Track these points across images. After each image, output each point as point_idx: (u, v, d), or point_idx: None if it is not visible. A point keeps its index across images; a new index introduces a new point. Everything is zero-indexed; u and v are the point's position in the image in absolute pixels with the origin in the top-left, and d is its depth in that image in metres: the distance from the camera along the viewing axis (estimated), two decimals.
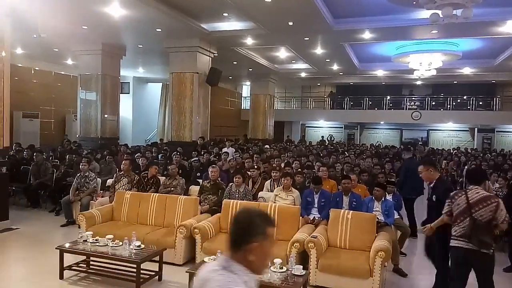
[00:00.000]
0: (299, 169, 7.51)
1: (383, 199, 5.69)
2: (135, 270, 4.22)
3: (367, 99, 22.60)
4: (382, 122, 23.42)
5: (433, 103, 21.97)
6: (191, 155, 9.73)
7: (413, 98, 22.41)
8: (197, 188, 6.59)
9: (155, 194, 5.95)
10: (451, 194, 3.90)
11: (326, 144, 20.85)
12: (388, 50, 14.50)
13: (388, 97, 22.57)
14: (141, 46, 12.84)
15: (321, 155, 11.62)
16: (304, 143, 20.12)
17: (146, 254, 4.37)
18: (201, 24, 10.66)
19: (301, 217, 5.43)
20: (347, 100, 23.03)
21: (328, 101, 23.45)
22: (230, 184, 6.22)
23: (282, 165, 8.81)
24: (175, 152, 9.23)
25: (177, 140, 11.85)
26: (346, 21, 10.53)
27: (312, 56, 14.62)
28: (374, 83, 22.11)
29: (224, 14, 10.04)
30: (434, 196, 4.23)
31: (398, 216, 5.95)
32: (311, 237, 4.65)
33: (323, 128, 24.81)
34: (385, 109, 22.29)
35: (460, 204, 3.74)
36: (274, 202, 5.82)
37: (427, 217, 4.33)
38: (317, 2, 8.68)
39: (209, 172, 6.27)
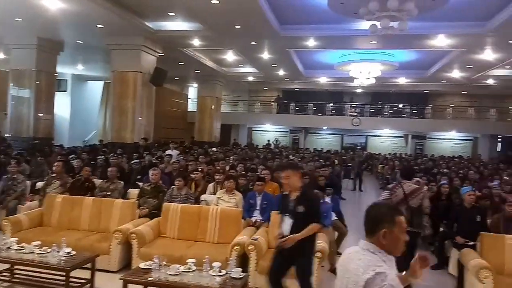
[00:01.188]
0: (243, 172, 7.52)
1: (321, 201, 5.85)
2: (64, 278, 3.96)
3: (311, 105, 23.29)
4: (325, 127, 24.24)
5: (372, 110, 23.15)
6: (133, 157, 9.38)
7: (354, 105, 23.46)
8: (137, 191, 6.35)
9: (89, 198, 5.62)
10: (390, 186, 4.54)
11: (272, 147, 21.21)
12: (331, 58, 15.07)
13: (331, 104, 23.45)
14: (81, 42, 12.21)
15: (267, 158, 11.77)
16: (254, 146, 20.32)
17: (76, 261, 4.10)
18: (146, 22, 10.37)
19: (243, 220, 5.43)
20: (292, 105, 23.58)
21: (275, 106, 23.85)
22: (172, 187, 6.07)
23: (227, 168, 8.80)
24: (113, 154, 8.84)
25: (118, 141, 11.39)
26: (292, 28, 10.79)
27: (259, 60, 14.80)
28: (318, 90, 22.89)
29: (170, 14, 9.85)
30: (299, 207, 3.48)
31: (336, 218, 6.16)
32: (251, 239, 4.66)
33: (269, 132, 25.16)
34: (328, 115, 23.11)
35: (398, 195, 4.70)
36: (217, 205, 5.76)
37: (294, 230, 3.53)
38: (264, 7, 8.80)
39: (150, 175, 6.07)
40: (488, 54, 12.18)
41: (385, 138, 24.07)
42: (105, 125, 18.64)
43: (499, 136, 22.02)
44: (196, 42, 11.99)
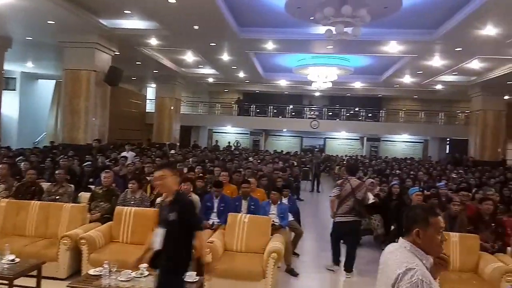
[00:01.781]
0: (201, 174, 7.44)
1: (279, 202, 5.92)
2: (7, 287, 3.71)
3: (271, 107, 23.53)
4: (284, 130, 24.57)
5: (330, 113, 23.77)
6: (85, 159, 9.01)
7: (312, 108, 23.97)
8: (88, 195, 6.10)
9: (36, 202, 5.32)
10: (338, 182, 5.28)
11: (233, 149, 21.18)
12: (290, 61, 15.30)
13: (291, 106, 23.81)
14: (30, 38, 11.59)
15: (226, 160, 11.73)
16: (217, 147, 20.22)
17: (20, 269, 3.87)
18: (100, 19, 10.03)
19: None
20: (253, 107, 23.71)
21: (236, 108, 23.86)
22: (126, 190, 5.88)
23: (185, 170, 8.67)
24: (62, 156, 8.44)
25: (70, 143, 10.90)
26: (251, 30, 10.85)
27: (219, 62, 14.75)
28: (278, 92, 23.19)
29: (126, 12, 9.58)
30: (171, 214, 2.89)
31: (293, 219, 6.25)
32: (207, 242, 4.61)
33: (230, 133, 25.12)
34: (288, 117, 23.44)
35: (347, 189, 5.47)
36: None
37: (166, 242, 2.93)
38: (223, 9, 8.78)
39: (102, 178, 5.85)
40: (437, 61, 12.88)
41: (342, 140, 24.77)
42: (57, 126, 17.76)
43: (447, 139, 23.33)
44: (153, 41, 11.75)
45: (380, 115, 23.31)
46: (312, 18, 8.04)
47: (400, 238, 1.95)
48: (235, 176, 7.24)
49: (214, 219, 5.69)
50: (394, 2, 7.41)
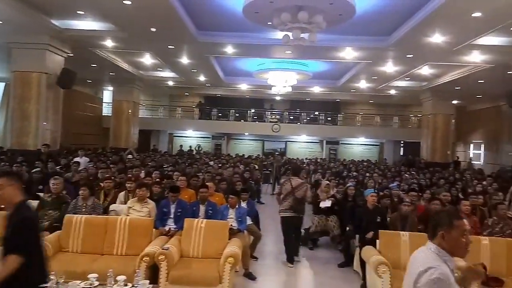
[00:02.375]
0: (157, 180, 7.28)
1: (237, 206, 5.90)
2: None
3: (233, 111, 23.52)
4: (246, 133, 24.62)
5: (291, 117, 24.11)
6: (35, 166, 8.56)
7: (274, 112, 24.21)
8: (37, 203, 5.78)
9: None
10: (282, 181, 5.07)
11: (194, 153, 20.95)
12: (250, 65, 15.38)
13: (252, 110, 23.92)
14: None
15: (187, 164, 11.58)
16: (182, 152, 19.86)
17: None
18: (52, 20, 9.62)
19: (155, 229, 5.25)
20: (215, 111, 23.58)
21: (197, 111, 23.61)
22: (77, 197, 5.64)
23: (142, 175, 8.46)
24: (3, 163, 7.96)
25: (19, 148, 10.33)
26: (210, 34, 10.81)
27: (179, 65, 14.57)
28: (240, 96, 23.23)
29: (79, 12, 9.25)
30: (7, 230, 2.53)
31: (251, 222, 6.25)
32: (162, 249, 4.52)
33: (191, 138, 24.82)
34: (249, 121, 23.54)
35: (287, 188, 6.09)
36: (128, 215, 5.49)
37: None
38: (180, 12, 8.68)
39: (51, 185, 5.57)
40: (390, 67, 13.43)
41: (302, 143, 25.16)
42: (5, 130, 16.76)
43: (401, 142, 24.34)
44: (109, 43, 11.40)
45: (339, 119, 23.94)
46: (270, 23, 8.12)
47: (428, 242, 2.04)
48: (193, 181, 7.14)
49: (170, 225, 5.58)
50: (348, 10, 7.64)
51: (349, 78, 15.94)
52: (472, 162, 19.97)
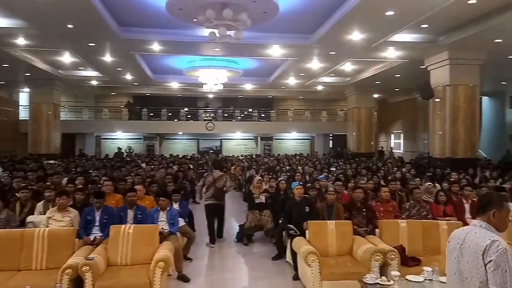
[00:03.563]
0: (80, 186, 6.84)
1: (168, 208, 5.75)
2: None
3: (165, 110, 22.89)
4: (180, 133, 24.14)
5: (225, 114, 24.10)
6: None
7: (207, 110, 24.01)
8: None
9: None
10: (205, 175, 6.81)
11: (125, 156, 20.08)
12: (180, 63, 15.07)
13: (185, 109, 23.49)
14: None
15: (114, 167, 11.03)
16: (121, 154, 18.85)
17: None
18: None
19: (79, 239, 4.93)
20: (145, 111, 22.76)
21: (126, 112, 22.60)
22: None
23: (65, 181, 7.89)
24: None
25: None
26: (133, 31, 10.39)
27: (102, 63, 13.82)
28: (171, 95, 22.68)
29: None
30: None
31: (184, 223, 6.14)
32: (86, 259, 4.25)
33: (121, 139, 23.70)
34: (183, 120, 23.11)
35: (209, 180, 7.15)
36: (47, 226, 5.09)
37: None
38: (98, 7, 8.21)
39: None
40: (316, 64, 13.98)
41: (238, 140, 25.28)
42: None
43: (330, 135, 25.51)
44: (21, 41, 10.46)
45: (272, 115, 24.42)
46: (195, 20, 8.00)
47: (474, 220, 2.32)
48: (120, 185, 6.83)
49: (96, 233, 5.27)
50: (272, 8, 7.79)
51: (279, 75, 16.32)
52: (393, 151, 21.56)
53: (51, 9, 8.09)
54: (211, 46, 11.41)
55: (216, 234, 7.15)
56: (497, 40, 10.05)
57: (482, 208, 2.30)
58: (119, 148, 21.54)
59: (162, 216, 5.65)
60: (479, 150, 14.88)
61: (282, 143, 25.51)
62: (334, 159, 17.14)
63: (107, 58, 12.91)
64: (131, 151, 22.45)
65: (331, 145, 25.43)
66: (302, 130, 24.00)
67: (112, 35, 10.01)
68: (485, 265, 2.10)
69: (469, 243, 2.22)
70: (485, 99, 18.11)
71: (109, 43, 11.24)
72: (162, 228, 5.39)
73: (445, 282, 3.68)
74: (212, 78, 15.09)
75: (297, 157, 18.49)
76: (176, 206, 6.32)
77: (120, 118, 22.49)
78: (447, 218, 5.82)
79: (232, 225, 8.15)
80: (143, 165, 13.34)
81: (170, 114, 22.97)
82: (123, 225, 4.98)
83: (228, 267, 5.90)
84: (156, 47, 11.42)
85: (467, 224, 5.72)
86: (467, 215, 6.20)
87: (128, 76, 16.51)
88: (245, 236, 7.14)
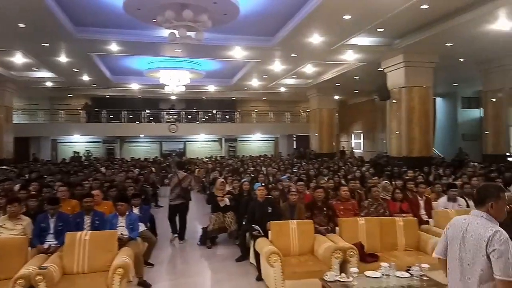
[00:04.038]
0: (33, 192, 6.52)
1: (127, 213, 5.59)
2: None
3: (125, 112, 22.28)
4: (142, 135, 23.61)
5: (189, 116, 23.82)
6: None
7: (170, 112, 23.62)
8: None
9: None
10: (169, 176, 6.55)
11: (83, 160, 19.38)
12: (140, 64, 14.73)
13: (147, 111, 23.00)
14: None
15: (70, 172, 10.61)
16: (79, 157, 18.05)
17: None
18: None
19: (32, 248, 4.70)
20: (104, 113, 22.05)
21: (84, 114, 21.78)
22: None
23: (17, 187, 7.48)
24: None
25: None
26: (90, 30, 10.05)
27: (57, 64, 13.25)
28: (132, 97, 22.13)
29: None
30: None
31: (145, 228, 5.99)
32: (39, 269, 4.05)
33: (79, 143, 22.84)
34: (145, 122, 22.60)
35: (175, 181, 7.37)
36: None
37: None
38: (51, 5, 7.87)
39: None
40: (277, 66, 14.13)
41: (202, 142, 25.08)
42: None
43: (293, 136, 25.87)
44: None
45: (236, 116, 24.42)
46: (155, 20, 7.85)
47: (474, 210, 2.46)
48: (77, 190, 6.58)
49: (50, 241, 5.04)
50: (232, 10, 7.78)
51: (242, 77, 16.35)
52: (354, 150, 22.19)
53: (0, 7, 7.65)
54: (171, 47, 11.24)
55: (178, 237, 7.31)
56: (448, 44, 10.59)
57: (480, 200, 2.45)
58: (76, 152, 20.72)
59: (121, 221, 5.48)
60: (434, 149, 15.64)
61: (246, 144, 25.58)
62: (298, 159, 17.38)
63: (63, 58, 12.39)
64: (90, 155, 21.69)
65: (295, 146, 25.78)
66: (266, 131, 24.18)
67: (67, 35, 9.62)
68: (488, 255, 2.26)
69: (471, 233, 2.37)
70: (438, 100, 19.02)
71: (64, 43, 10.79)
72: (121, 234, 5.23)
73: (401, 277, 3.88)
74: (174, 80, 14.87)
75: (262, 158, 18.59)
76: (136, 210, 6.18)
77: (78, 121, 21.68)
78: (403, 215, 6.04)
79: (195, 229, 8.05)
80: (102, 169, 12.93)
81: (131, 116, 22.41)
82: (80, 232, 4.79)
83: (190, 271, 5.83)
84: (114, 47, 11.10)
85: (422, 220, 6.10)
86: (422, 211, 6.47)
87: (86, 77, 15.93)
88: (208, 239, 7.07)
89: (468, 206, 6.27)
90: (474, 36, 9.77)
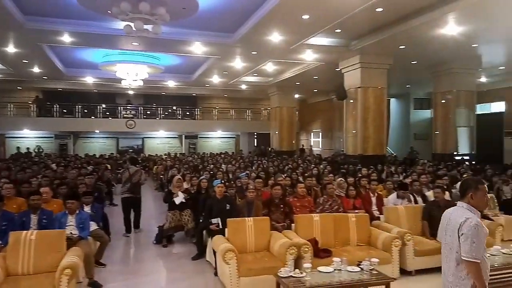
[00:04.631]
0: None
1: (77, 211, 5.37)
2: None
3: (80, 106, 21.37)
4: (97, 131, 22.76)
5: (148, 112, 23.24)
6: None
7: (128, 107, 22.93)
8: None
9: None
10: (121, 171, 6.61)
11: (33, 155, 18.42)
12: (95, 57, 14.17)
13: (103, 106, 22.19)
14: None
15: (19, 169, 10.01)
16: (20, 154, 17.00)
17: None
18: None
19: None
20: (57, 107, 21.02)
21: (34, 108, 20.63)
22: None
23: None
24: None
25: None
26: (40, 20, 9.54)
27: (4, 54, 12.49)
28: (87, 90, 21.22)
29: None
30: None
31: (97, 227, 5.78)
32: None
33: (29, 138, 21.61)
34: (100, 117, 21.79)
35: (126, 175, 7.55)
36: None
37: None
38: None
39: None
40: (238, 63, 14.10)
41: (161, 139, 24.59)
42: None
43: (255, 133, 25.98)
44: None
45: (196, 113, 24.14)
46: (110, 11, 7.56)
47: (460, 202, 2.74)
48: (24, 187, 6.24)
49: None
50: (192, 4, 7.67)
51: (202, 73, 16.17)
52: (313, 149, 22.64)
53: None
54: (128, 40, 10.90)
55: (133, 226, 7.66)
56: (401, 46, 11.04)
57: (462, 192, 2.76)
58: (18, 148, 19.57)
59: (71, 220, 5.25)
60: (387, 148, 16.29)
61: (207, 141, 25.38)
62: (258, 157, 17.47)
63: (10, 49, 11.66)
64: (41, 150, 20.63)
65: (256, 144, 25.90)
66: (227, 128, 24.10)
67: (15, 23, 9.05)
68: (459, 237, 2.61)
69: (452, 221, 2.72)
70: (392, 101, 19.83)
71: (12, 33, 10.15)
72: (71, 233, 5.02)
73: (352, 271, 4.01)
74: (131, 74, 14.44)
75: (222, 156, 18.52)
76: (87, 209, 5.95)
77: (28, 114, 20.50)
78: (356, 211, 6.24)
79: (151, 228, 7.87)
80: (53, 165, 12.33)
81: (86, 111, 21.53)
82: (25, 231, 4.54)
83: (145, 271, 5.69)
84: (67, 38, 10.59)
85: (373, 216, 6.33)
86: (374, 207, 6.71)
87: (36, 69, 15.11)
88: (164, 238, 6.94)
89: (416, 202, 6.58)
90: (425, 39, 10.24)
